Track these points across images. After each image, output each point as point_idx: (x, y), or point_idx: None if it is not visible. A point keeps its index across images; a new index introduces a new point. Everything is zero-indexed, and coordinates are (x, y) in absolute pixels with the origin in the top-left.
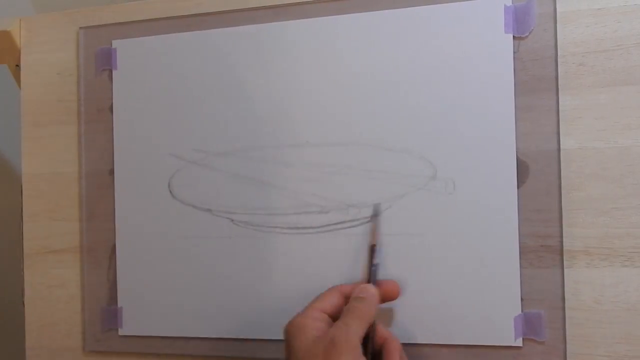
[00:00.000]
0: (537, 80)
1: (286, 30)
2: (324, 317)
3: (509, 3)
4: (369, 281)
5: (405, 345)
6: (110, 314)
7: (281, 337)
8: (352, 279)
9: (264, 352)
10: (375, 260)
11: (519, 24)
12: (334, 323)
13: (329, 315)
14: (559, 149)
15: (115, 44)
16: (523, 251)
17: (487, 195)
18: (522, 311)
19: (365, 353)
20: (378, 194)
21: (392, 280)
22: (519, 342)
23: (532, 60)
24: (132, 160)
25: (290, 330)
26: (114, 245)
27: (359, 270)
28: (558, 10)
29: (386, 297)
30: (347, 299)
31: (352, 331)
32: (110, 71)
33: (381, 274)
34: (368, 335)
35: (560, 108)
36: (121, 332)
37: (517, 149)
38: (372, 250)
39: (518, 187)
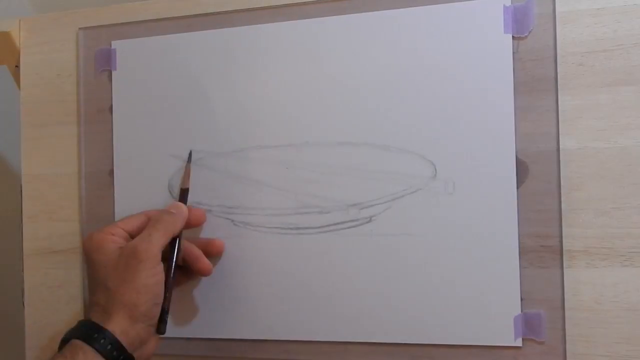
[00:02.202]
0: (537, 80)
1: (286, 31)
2: (123, 233)
3: (509, 3)
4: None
5: (405, 345)
6: None
7: (281, 337)
8: (352, 279)
9: (263, 352)
10: (187, 185)
11: (519, 24)
12: (140, 234)
13: (130, 234)
14: (558, 149)
15: (115, 44)
16: (523, 251)
17: (487, 195)
18: (522, 311)
19: (166, 260)
20: (378, 194)
21: (201, 209)
22: (518, 342)
23: (531, 60)
24: (132, 161)
25: (88, 245)
26: None
27: (359, 270)
28: (558, 10)
29: (192, 220)
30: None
31: (154, 241)
32: (110, 72)
33: (380, 273)
34: (174, 245)
35: (560, 108)
36: None
37: (516, 149)
38: (184, 192)
39: (518, 187)
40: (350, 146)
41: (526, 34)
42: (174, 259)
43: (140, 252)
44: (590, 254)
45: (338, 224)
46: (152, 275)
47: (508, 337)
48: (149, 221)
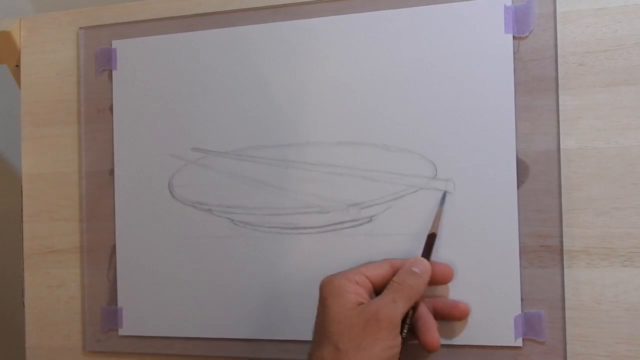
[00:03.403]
0: (537, 80)
1: (286, 31)
2: (367, 283)
3: (509, 3)
4: (423, 255)
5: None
6: (110, 314)
7: (281, 337)
8: None
9: (263, 352)
10: (436, 230)
11: (519, 24)
12: (380, 295)
13: (373, 284)
14: (559, 149)
15: (115, 44)
16: (523, 251)
17: (487, 195)
18: (522, 311)
19: (401, 330)
20: (378, 193)
21: (446, 263)
22: (519, 342)
23: (532, 60)
24: (132, 160)
25: (328, 288)
26: (114, 245)
27: None
28: (558, 10)
29: (437, 279)
30: (396, 272)
31: (398, 309)
32: (110, 71)
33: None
34: (408, 312)
35: (560, 108)
36: (121, 332)
37: (517, 149)
38: (431, 237)
39: (518, 187)
40: (351, 146)
41: (527, 34)
42: (408, 323)
43: (383, 320)
44: (590, 254)
45: (338, 224)
46: (389, 347)
47: (508, 337)
48: (393, 272)
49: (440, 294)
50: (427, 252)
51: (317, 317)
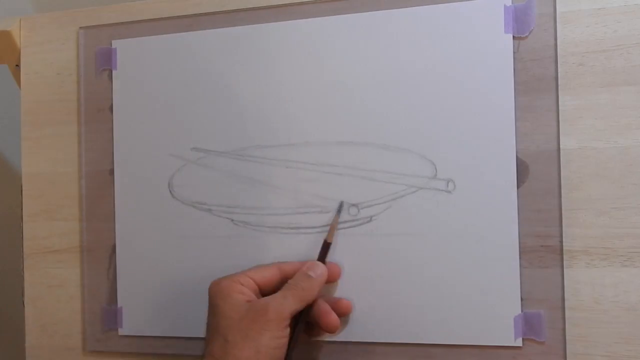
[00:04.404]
0: (537, 80)
1: (286, 30)
2: (253, 285)
3: (509, 3)
4: (319, 259)
5: (405, 345)
6: (110, 314)
7: None
8: (352, 278)
9: None
10: (331, 240)
11: (519, 24)
12: (273, 294)
13: (259, 286)
14: (559, 149)
15: (115, 44)
16: (523, 251)
17: (487, 195)
18: (522, 311)
19: (293, 325)
20: (378, 193)
21: (335, 263)
22: (518, 342)
23: (532, 60)
24: (132, 160)
25: (215, 290)
26: (114, 245)
27: (359, 270)
28: (558, 10)
29: (328, 279)
30: (284, 277)
31: (288, 305)
32: (110, 71)
33: (380, 273)
34: (302, 311)
35: (560, 108)
36: (121, 332)
37: (517, 149)
38: (326, 245)
39: (518, 187)
40: (351, 146)
41: (527, 34)
42: (301, 322)
43: (271, 312)
44: (590, 254)
45: (338, 223)
46: (277, 337)
47: (508, 337)
48: (280, 276)
49: (327, 292)
50: (322, 259)
51: (208, 317)
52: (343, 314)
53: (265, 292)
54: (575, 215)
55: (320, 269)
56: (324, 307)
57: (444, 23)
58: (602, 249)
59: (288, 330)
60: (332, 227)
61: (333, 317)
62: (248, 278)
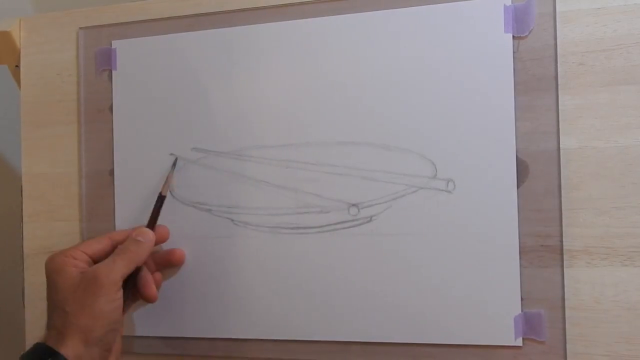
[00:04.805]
0: (537, 79)
1: (286, 31)
2: (85, 257)
3: (509, 3)
4: (148, 225)
5: (405, 345)
6: None
7: (281, 337)
8: (352, 278)
9: (263, 352)
10: (165, 193)
11: (519, 24)
12: (104, 260)
13: (92, 258)
14: (558, 149)
15: (115, 44)
16: (523, 251)
17: (487, 195)
18: (522, 311)
19: (125, 288)
20: (378, 193)
21: (164, 225)
22: (519, 342)
23: (532, 59)
24: (132, 160)
25: (49, 266)
26: None
27: (359, 270)
28: (558, 9)
29: (157, 240)
30: (115, 246)
31: (116, 269)
32: (110, 71)
33: (380, 273)
34: (135, 274)
35: (560, 108)
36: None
37: (517, 148)
38: (161, 198)
39: (518, 187)
40: (351, 146)
41: (526, 34)
42: (133, 282)
43: (101, 278)
44: (590, 253)
45: (338, 223)
46: (110, 301)
47: (508, 336)
48: (112, 245)
49: (158, 249)
50: (155, 215)
51: (47, 292)
52: (178, 264)
53: (98, 262)
54: (575, 214)
55: (149, 235)
56: (146, 278)
57: (444, 23)
58: (602, 249)
59: (121, 292)
60: (168, 180)
61: (152, 290)
62: (80, 251)
